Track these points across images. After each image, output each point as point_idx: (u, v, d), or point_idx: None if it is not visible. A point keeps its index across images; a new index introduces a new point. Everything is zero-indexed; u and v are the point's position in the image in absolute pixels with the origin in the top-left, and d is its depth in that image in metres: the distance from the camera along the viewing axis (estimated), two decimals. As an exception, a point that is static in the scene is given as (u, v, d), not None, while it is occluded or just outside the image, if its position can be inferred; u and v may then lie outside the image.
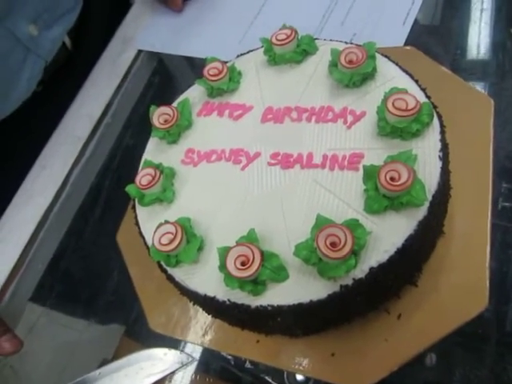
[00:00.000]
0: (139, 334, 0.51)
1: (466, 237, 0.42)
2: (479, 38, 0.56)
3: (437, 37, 0.60)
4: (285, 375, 0.44)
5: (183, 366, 0.45)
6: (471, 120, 0.47)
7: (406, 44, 0.57)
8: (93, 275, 0.58)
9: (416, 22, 0.59)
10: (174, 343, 0.48)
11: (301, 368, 0.41)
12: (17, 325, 0.56)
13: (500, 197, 0.47)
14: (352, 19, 0.60)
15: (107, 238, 0.57)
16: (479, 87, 0.52)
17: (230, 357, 0.46)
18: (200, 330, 0.46)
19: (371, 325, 0.41)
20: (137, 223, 0.45)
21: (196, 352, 0.47)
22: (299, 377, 0.43)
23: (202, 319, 0.47)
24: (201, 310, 0.47)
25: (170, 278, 0.42)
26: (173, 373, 0.46)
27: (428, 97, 0.41)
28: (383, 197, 0.36)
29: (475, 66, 0.54)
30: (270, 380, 0.45)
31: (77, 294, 0.58)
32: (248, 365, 0.46)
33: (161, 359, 0.46)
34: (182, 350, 0.47)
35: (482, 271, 0.40)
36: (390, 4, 0.59)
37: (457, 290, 0.40)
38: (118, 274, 0.55)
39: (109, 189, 0.63)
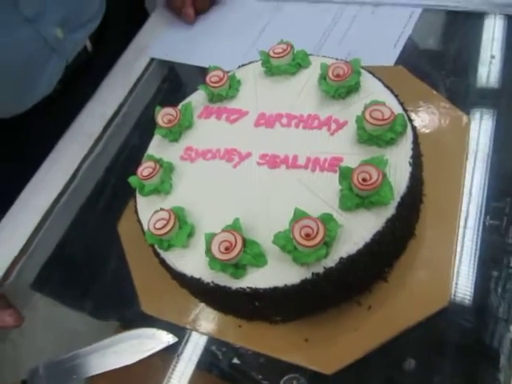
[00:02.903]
0: (134, 318, 0.54)
1: (436, 241, 0.46)
2: (464, 61, 0.60)
3: (428, 59, 0.64)
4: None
5: (170, 344, 0.49)
6: (449, 136, 0.51)
7: (398, 64, 0.61)
8: (94, 263, 0.62)
9: (413, 44, 0.64)
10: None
11: (276, 351, 0.45)
12: (19, 305, 0.60)
13: (488, 214, 0.50)
14: (348, 39, 0.65)
15: (109, 229, 0.61)
16: (461, 105, 0.55)
17: (218, 352, 0.49)
18: (188, 315, 0.50)
19: (343, 315, 0.44)
20: (136, 211, 0.49)
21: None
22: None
23: (191, 305, 0.51)
24: (191, 296, 0.51)
25: (162, 262, 0.46)
26: (161, 354, 0.49)
27: (405, 110, 0.45)
28: (356, 196, 0.40)
29: (458, 84, 0.57)
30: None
31: (78, 279, 0.62)
32: (236, 360, 0.50)
33: (149, 338, 0.49)
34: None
35: (447, 272, 0.44)
36: (383, 27, 0.64)
37: (423, 288, 0.44)
38: (119, 261, 0.59)
39: (114, 184, 0.68)
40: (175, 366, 0.49)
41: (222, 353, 0.49)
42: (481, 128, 0.53)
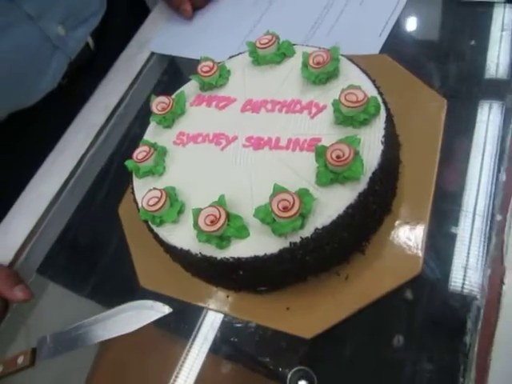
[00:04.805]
0: (135, 295, 0.57)
1: (410, 215, 0.49)
2: (446, 47, 0.63)
3: (415, 47, 0.66)
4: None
5: (165, 314, 0.53)
6: (425, 117, 0.54)
7: (384, 53, 0.64)
8: (97, 246, 0.66)
9: (400, 33, 0.66)
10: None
11: (260, 319, 0.48)
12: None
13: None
14: (336, 30, 0.68)
15: (112, 213, 0.65)
16: (442, 90, 0.57)
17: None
18: (182, 288, 0.54)
19: (322, 284, 0.48)
20: (133, 191, 0.53)
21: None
22: None
23: (185, 280, 0.55)
24: (185, 272, 0.55)
25: (156, 236, 0.50)
26: (157, 322, 0.53)
27: (380, 93, 0.48)
28: (330, 172, 0.43)
29: (437, 70, 0.60)
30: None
31: (84, 261, 0.66)
32: (235, 339, 0.52)
33: (147, 308, 0.53)
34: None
35: (418, 244, 0.47)
36: (370, 17, 0.67)
37: (397, 259, 0.47)
38: (120, 243, 0.63)
39: (116, 170, 0.72)
40: (181, 345, 0.51)
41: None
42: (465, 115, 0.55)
